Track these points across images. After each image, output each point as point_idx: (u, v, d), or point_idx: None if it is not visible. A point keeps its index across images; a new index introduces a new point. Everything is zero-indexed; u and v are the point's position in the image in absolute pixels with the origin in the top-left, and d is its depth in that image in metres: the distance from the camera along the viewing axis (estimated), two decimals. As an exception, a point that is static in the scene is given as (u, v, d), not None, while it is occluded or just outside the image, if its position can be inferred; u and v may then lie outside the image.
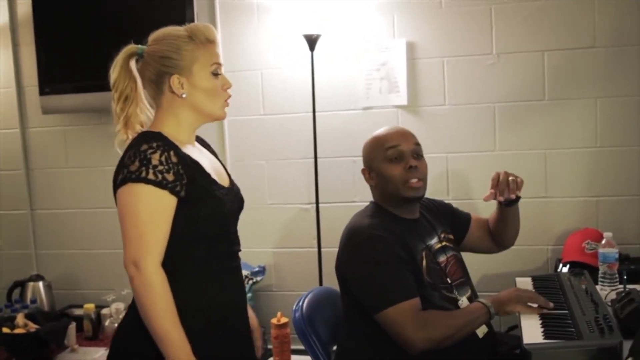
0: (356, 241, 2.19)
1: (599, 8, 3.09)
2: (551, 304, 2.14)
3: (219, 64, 1.86)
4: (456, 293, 2.26)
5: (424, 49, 3.27)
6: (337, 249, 3.35)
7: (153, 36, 1.87)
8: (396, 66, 3.27)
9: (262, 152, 3.49)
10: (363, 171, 2.34)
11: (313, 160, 3.31)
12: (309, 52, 3.21)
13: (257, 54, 3.43)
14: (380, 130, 2.34)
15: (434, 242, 2.32)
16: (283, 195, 3.48)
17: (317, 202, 3.32)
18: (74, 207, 3.72)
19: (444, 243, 2.36)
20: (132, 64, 1.87)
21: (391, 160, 2.23)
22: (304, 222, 3.46)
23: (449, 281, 2.27)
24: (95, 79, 3.42)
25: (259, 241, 3.48)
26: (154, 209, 1.70)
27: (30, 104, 3.71)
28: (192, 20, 3.26)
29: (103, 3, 3.44)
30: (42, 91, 3.51)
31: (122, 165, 1.75)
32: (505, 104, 3.22)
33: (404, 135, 2.29)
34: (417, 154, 2.28)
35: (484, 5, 3.19)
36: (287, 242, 3.51)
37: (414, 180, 2.22)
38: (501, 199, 2.36)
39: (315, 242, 3.35)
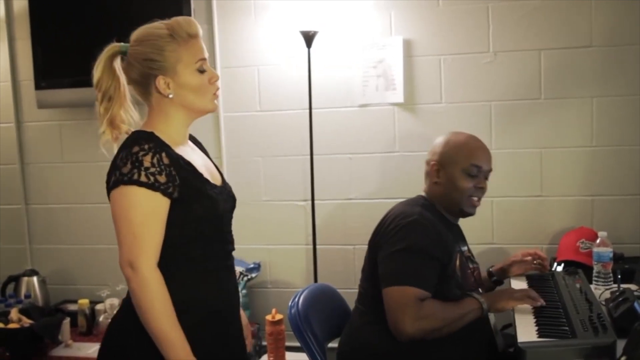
0: (403, 222, 2.22)
1: (596, 7, 3.09)
2: (541, 301, 2.18)
3: (204, 59, 1.84)
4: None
5: (421, 47, 3.27)
6: (332, 246, 3.39)
7: (134, 36, 1.84)
8: (393, 64, 3.27)
9: (258, 149, 3.48)
10: (432, 165, 2.35)
11: (309, 157, 3.31)
12: (306, 49, 3.21)
13: (253, 50, 3.43)
14: (467, 139, 2.38)
15: (465, 249, 2.40)
16: (279, 191, 3.48)
17: (312, 199, 3.32)
18: (69, 202, 3.72)
19: (469, 254, 2.45)
20: (117, 63, 1.85)
21: (469, 175, 2.30)
22: (299, 218, 3.46)
23: (477, 286, 2.35)
24: (91, 74, 3.43)
25: (254, 238, 3.48)
26: (147, 210, 1.70)
27: (25, 98, 3.70)
28: (189, 16, 3.24)
29: (99, -2, 3.44)
30: (38, 85, 3.50)
31: (114, 166, 1.75)
32: (501, 102, 3.22)
33: (489, 158, 2.38)
34: (487, 177, 2.37)
35: (481, 4, 3.19)
36: (282, 238, 3.51)
37: (476, 199, 2.34)
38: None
39: (310, 239, 3.35)
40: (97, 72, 1.84)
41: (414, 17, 3.26)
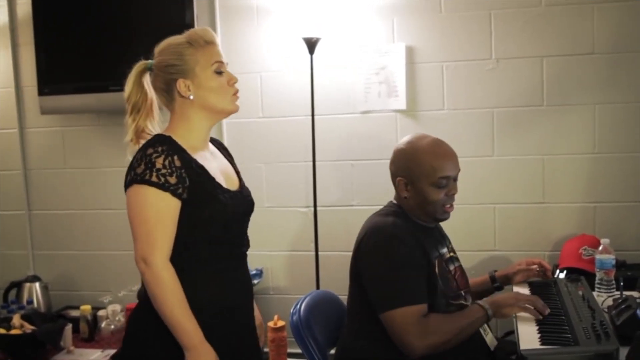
0: (379, 238, 2.20)
1: (598, 15, 3.10)
2: (547, 310, 2.16)
3: (221, 62, 1.96)
4: (463, 300, 2.30)
5: (423, 54, 3.27)
6: (334, 253, 3.39)
7: (157, 49, 1.97)
8: (395, 70, 3.27)
9: (260, 155, 3.49)
10: (398, 181, 2.27)
11: (311, 163, 3.32)
12: (309, 55, 3.22)
13: (256, 57, 3.43)
14: (430, 148, 2.26)
15: (444, 251, 2.36)
16: (281, 198, 3.48)
17: (315, 206, 3.32)
18: (72, 208, 3.72)
19: (451, 254, 2.41)
20: (145, 78, 1.98)
21: (438, 187, 2.23)
22: (301, 225, 3.46)
23: (459, 288, 2.32)
24: (94, 80, 3.45)
25: (257, 244, 3.42)
26: (159, 209, 1.80)
27: (28, 104, 3.71)
28: (192, 22, 3.26)
29: (103, 4, 3.44)
30: (41, 91, 3.51)
31: (130, 167, 1.85)
32: (504, 109, 3.22)
33: (455, 162, 2.29)
34: (456, 179, 2.30)
35: (483, 11, 3.20)
36: (284, 245, 3.51)
37: (449, 205, 2.28)
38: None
39: (312, 245, 3.35)
40: (127, 86, 1.97)
41: (416, 24, 3.27)
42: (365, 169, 3.37)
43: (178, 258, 1.83)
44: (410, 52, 3.28)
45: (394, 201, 2.36)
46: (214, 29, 3.43)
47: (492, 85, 3.22)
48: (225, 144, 3.43)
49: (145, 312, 1.87)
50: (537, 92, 3.18)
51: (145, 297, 1.86)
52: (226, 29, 3.45)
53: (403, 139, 2.34)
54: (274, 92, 3.44)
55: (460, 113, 3.26)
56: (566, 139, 3.18)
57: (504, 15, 3.18)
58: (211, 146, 2.05)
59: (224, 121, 3.46)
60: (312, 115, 3.28)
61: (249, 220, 2.06)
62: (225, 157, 2.12)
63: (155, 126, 2.00)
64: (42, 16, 3.50)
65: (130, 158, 1.91)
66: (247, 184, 3.40)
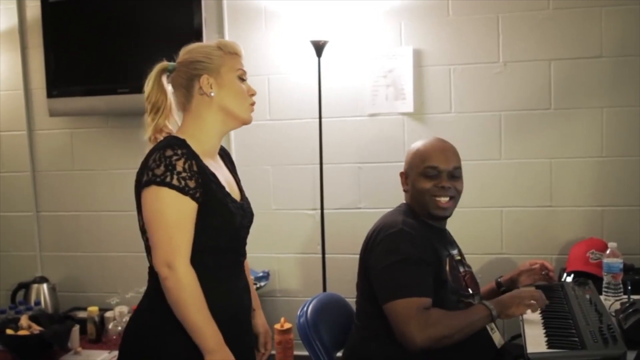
0: (388, 233, 2.24)
1: (606, 18, 3.09)
2: (547, 301, 2.21)
3: (244, 72, 2.01)
4: (472, 300, 2.31)
5: (431, 57, 3.27)
6: (341, 255, 3.39)
7: (185, 49, 2.00)
8: (403, 73, 3.27)
9: (267, 158, 3.49)
10: (401, 174, 2.44)
11: (318, 166, 3.32)
12: (316, 58, 3.22)
13: (264, 59, 3.44)
14: (426, 143, 2.41)
15: (455, 253, 2.41)
16: (288, 200, 3.49)
17: (322, 208, 3.32)
18: (80, 210, 3.73)
19: (460, 257, 2.45)
20: (164, 78, 1.99)
21: (426, 176, 2.32)
22: (308, 227, 3.47)
23: (469, 290, 2.34)
24: (102, 83, 3.47)
25: (263, 246, 3.48)
26: (179, 212, 1.79)
27: (37, 106, 3.73)
28: (200, 25, 3.27)
29: (112, 7, 3.45)
30: (50, 94, 3.53)
31: (146, 167, 1.82)
32: (511, 112, 3.22)
33: (446, 156, 2.36)
34: (454, 176, 2.35)
35: (491, 14, 3.20)
36: (291, 247, 3.51)
37: (443, 200, 2.32)
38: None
39: (319, 248, 3.35)
40: (147, 86, 1.97)
41: (424, 27, 3.27)
42: (373, 171, 3.38)
43: None
44: (417, 55, 3.28)
45: (405, 202, 2.43)
46: (222, 31, 3.45)
47: (500, 88, 3.22)
48: (233, 146, 3.48)
49: (149, 314, 1.89)
50: (544, 95, 3.18)
51: (149, 300, 1.89)
52: (234, 32, 3.46)
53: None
54: (281, 95, 3.45)
55: (467, 116, 3.26)
56: (574, 142, 3.18)
57: (512, 18, 3.18)
58: (217, 156, 2.05)
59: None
60: (320, 117, 3.29)
61: (249, 232, 2.06)
62: (227, 166, 2.11)
63: (174, 125, 2.00)
64: (51, 19, 3.52)
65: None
66: (254, 186, 3.42)
